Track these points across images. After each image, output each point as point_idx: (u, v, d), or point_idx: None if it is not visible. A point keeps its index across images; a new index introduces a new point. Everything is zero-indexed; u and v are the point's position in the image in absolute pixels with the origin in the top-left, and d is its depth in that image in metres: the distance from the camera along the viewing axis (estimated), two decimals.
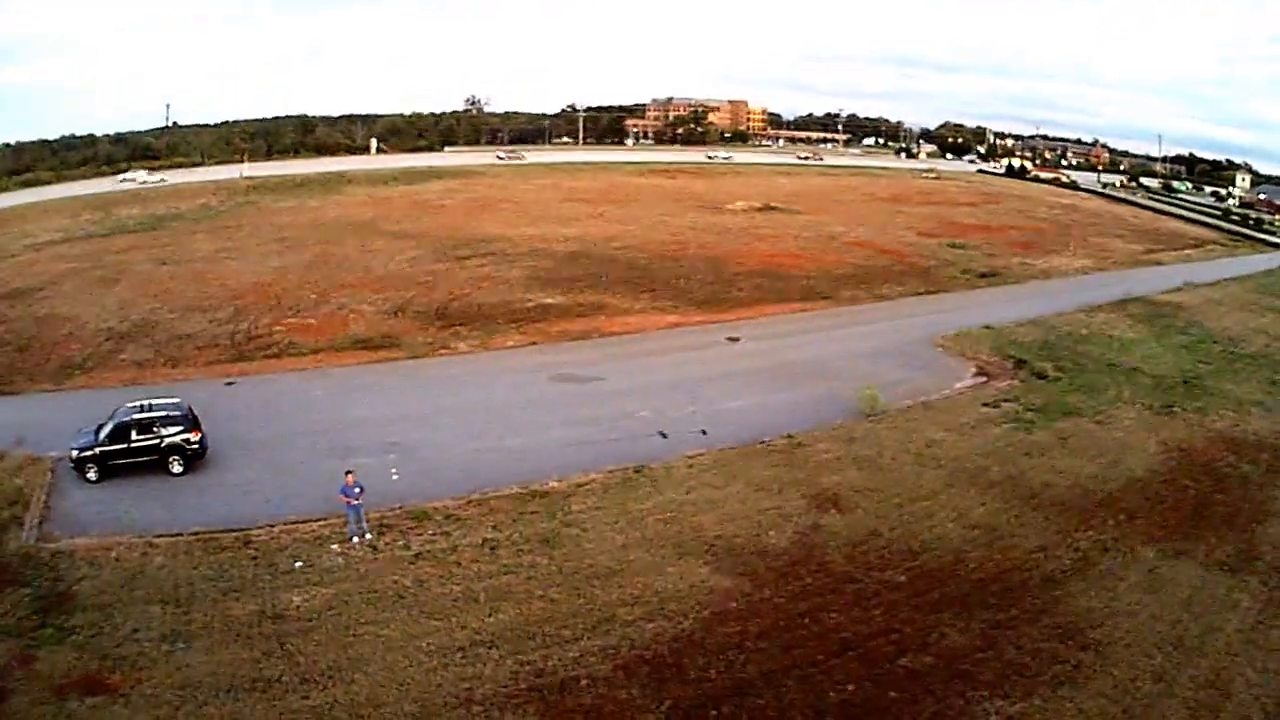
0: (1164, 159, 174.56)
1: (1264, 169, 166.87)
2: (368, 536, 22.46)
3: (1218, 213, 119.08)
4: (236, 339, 39.85)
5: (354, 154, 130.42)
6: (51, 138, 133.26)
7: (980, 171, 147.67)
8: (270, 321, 42.11)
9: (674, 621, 19.26)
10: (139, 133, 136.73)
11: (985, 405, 33.62)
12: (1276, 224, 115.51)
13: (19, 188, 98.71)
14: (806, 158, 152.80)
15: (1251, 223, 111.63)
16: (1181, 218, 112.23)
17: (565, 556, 21.83)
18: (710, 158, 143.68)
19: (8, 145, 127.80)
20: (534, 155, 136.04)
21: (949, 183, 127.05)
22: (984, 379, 37.52)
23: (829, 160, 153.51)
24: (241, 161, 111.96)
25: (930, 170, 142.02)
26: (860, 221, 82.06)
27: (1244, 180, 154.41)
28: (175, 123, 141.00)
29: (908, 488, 26.08)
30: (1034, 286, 60.48)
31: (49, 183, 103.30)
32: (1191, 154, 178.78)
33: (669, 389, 34.05)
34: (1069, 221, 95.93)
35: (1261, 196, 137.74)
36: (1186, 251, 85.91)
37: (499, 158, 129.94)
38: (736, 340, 41.34)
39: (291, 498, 24.47)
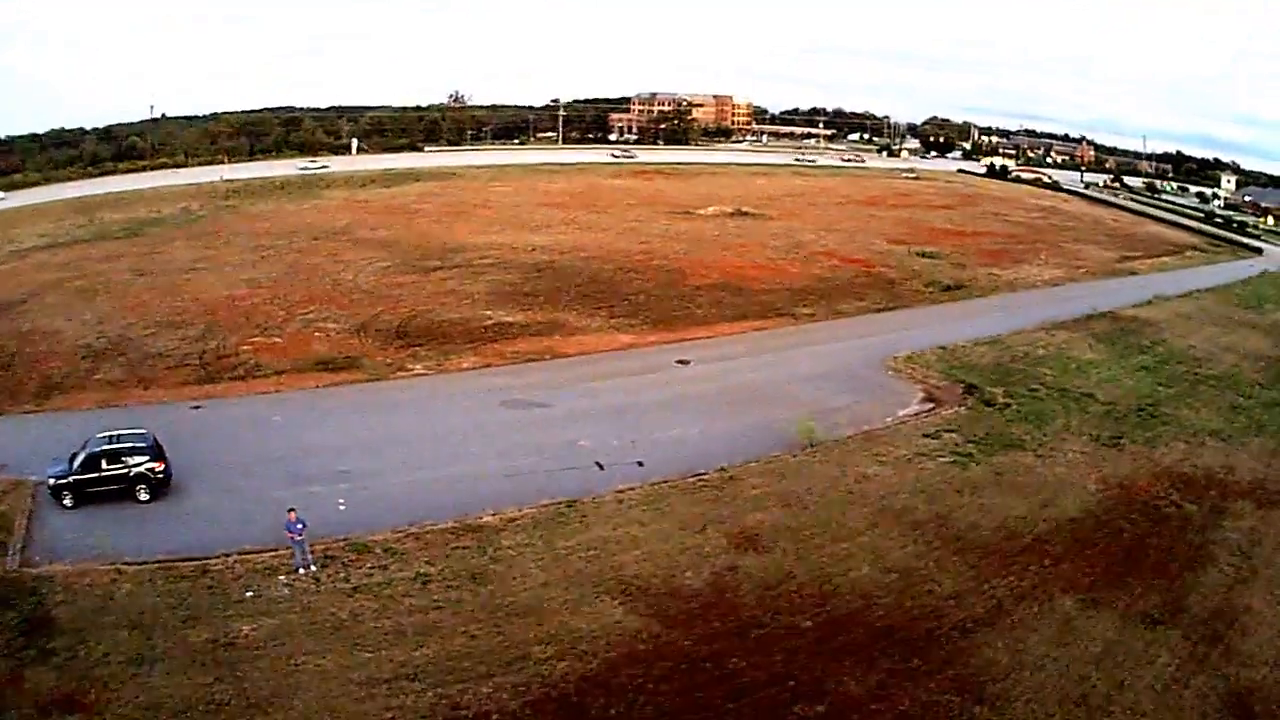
0: (1149, 157, 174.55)
1: (1256, 166, 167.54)
2: (312, 568, 23.46)
3: (1200, 215, 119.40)
4: (205, 358, 40.43)
5: (337, 153, 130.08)
6: (41, 131, 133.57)
7: (961, 171, 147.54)
8: (238, 340, 42.59)
9: (584, 661, 20.04)
10: (126, 125, 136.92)
11: (926, 436, 34.11)
12: (1260, 227, 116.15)
13: (7, 189, 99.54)
14: (808, 159, 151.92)
15: (1235, 226, 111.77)
16: (1163, 221, 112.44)
17: (491, 593, 22.59)
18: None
19: None
20: (514, 155, 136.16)
21: (927, 184, 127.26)
22: (931, 405, 37.96)
23: (817, 160, 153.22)
24: (223, 163, 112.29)
25: (910, 170, 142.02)
26: (831, 227, 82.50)
27: (1229, 182, 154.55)
28: (164, 114, 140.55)
29: (831, 527, 26.58)
30: (999, 300, 60.74)
31: (36, 184, 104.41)
32: (1179, 152, 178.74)
33: (613, 416, 34.60)
34: (1045, 226, 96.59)
35: (1247, 199, 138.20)
36: (1163, 259, 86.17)
37: (614, 156, 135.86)
38: (686, 363, 41.85)
39: (247, 525, 25.55)
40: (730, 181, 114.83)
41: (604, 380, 39.13)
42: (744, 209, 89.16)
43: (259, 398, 36.38)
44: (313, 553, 23.73)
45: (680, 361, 41.99)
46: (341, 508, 26.74)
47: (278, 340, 43.14)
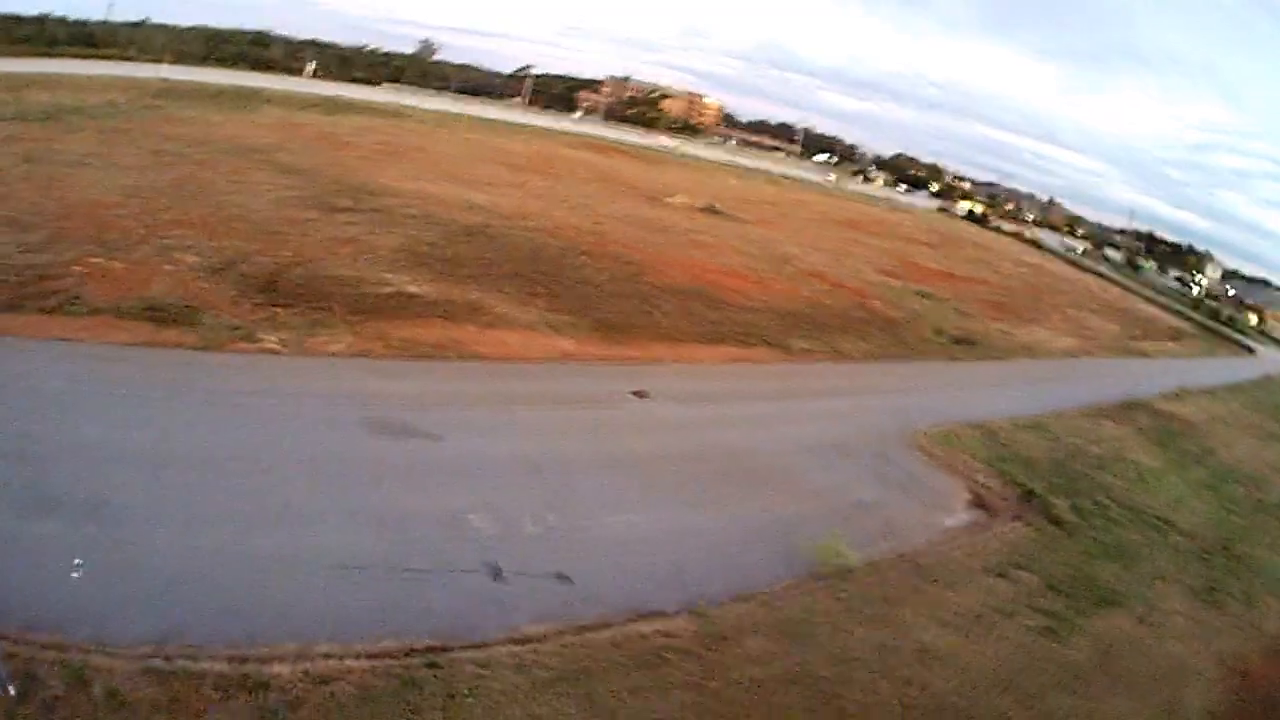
0: (1121, 232, 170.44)
1: (1224, 261, 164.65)
2: (11, 690, 12.23)
3: (1187, 301, 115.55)
4: (23, 275, 27.77)
5: (291, 74, 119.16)
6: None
7: (941, 210, 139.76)
8: (75, 256, 30.02)
9: None
10: (97, 23, 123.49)
11: (992, 573, 22.82)
12: (1247, 323, 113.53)
13: None
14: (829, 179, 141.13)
15: (1225, 318, 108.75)
16: (1151, 300, 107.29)
17: None
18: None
19: None
20: (471, 107, 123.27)
21: (905, 216, 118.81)
22: (982, 513, 26.93)
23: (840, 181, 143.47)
24: (165, 62, 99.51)
25: (886, 199, 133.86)
26: (814, 244, 71.80)
27: (1215, 271, 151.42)
28: (147, 19, 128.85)
29: None
30: (1021, 367, 51.49)
31: None
32: (1151, 233, 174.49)
33: (530, 474, 22.21)
34: (1039, 284, 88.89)
35: (1230, 292, 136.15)
36: (1167, 343, 79.80)
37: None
38: (644, 396, 29.38)
39: None
40: (698, 176, 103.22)
41: (526, 407, 26.61)
42: (715, 206, 77.59)
43: (48, 345, 23.79)
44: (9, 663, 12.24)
45: (637, 393, 29.36)
46: (76, 575, 14.79)
47: (117, 264, 30.59)
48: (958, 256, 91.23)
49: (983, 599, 21.22)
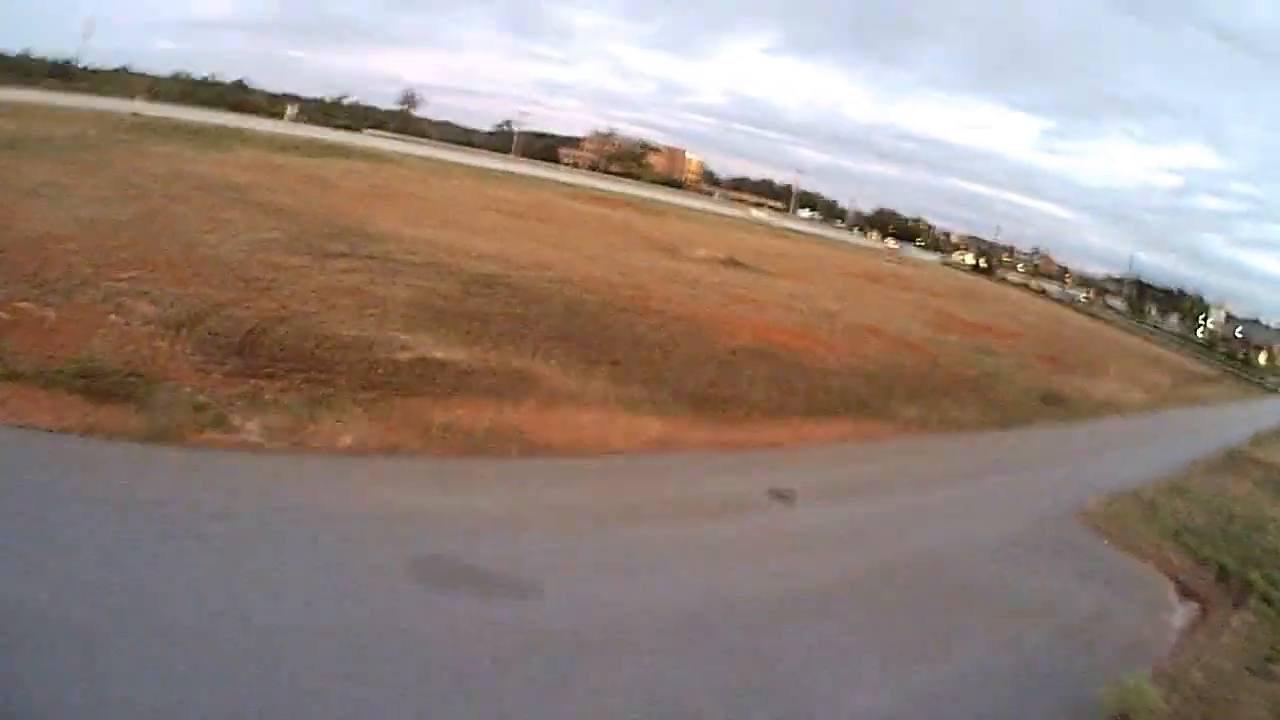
0: (1118, 281, 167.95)
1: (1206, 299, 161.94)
2: None
3: (1201, 346, 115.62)
4: None
5: (272, 117, 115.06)
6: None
7: (945, 264, 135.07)
8: (3, 298, 22.59)
9: None
10: (81, 70, 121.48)
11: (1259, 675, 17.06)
12: (1260, 363, 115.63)
13: None
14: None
15: (1240, 359, 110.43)
16: (1169, 346, 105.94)
17: None
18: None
19: None
20: (461, 155, 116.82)
21: (916, 270, 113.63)
22: (1194, 605, 21.54)
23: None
24: (141, 98, 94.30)
25: (893, 253, 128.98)
26: (847, 299, 64.92)
27: (1220, 314, 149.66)
28: (126, 66, 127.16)
29: None
30: (1117, 425, 46.98)
31: None
32: (1139, 279, 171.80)
33: (693, 632, 14.22)
34: (1071, 335, 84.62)
35: (1237, 333, 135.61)
36: (1207, 388, 77.53)
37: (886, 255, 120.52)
38: (788, 498, 21.55)
39: None
40: (706, 229, 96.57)
41: (642, 524, 18.62)
42: (736, 259, 70.78)
43: None
44: None
45: (778, 494, 21.53)
46: None
47: (50, 314, 22.73)
48: (985, 310, 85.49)
49: None
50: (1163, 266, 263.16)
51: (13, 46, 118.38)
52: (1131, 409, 52.90)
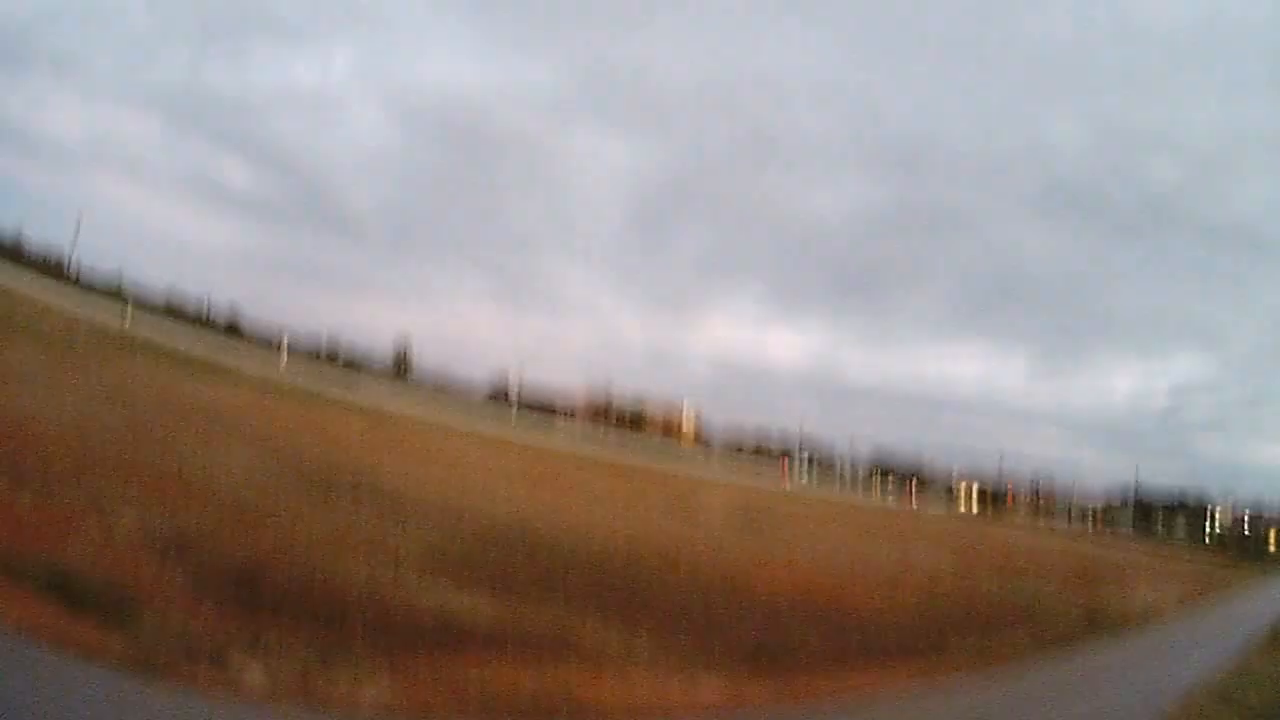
0: (1121, 504, 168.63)
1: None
2: None
3: (1212, 543, 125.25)
4: None
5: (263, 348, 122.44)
6: None
7: (950, 513, 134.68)
8: None
9: None
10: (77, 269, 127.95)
11: None
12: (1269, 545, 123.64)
13: None
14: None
15: (1253, 546, 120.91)
16: (1180, 551, 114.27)
17: None
18: None
19: None
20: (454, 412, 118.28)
21: (924, 521, 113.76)
22: None
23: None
24: (127, 310, 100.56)
25: (896, 503, 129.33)
26: (859, 548, 63.41)
27: (1226, 506, 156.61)
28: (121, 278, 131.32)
29: None
30: (1162, 631, 46.16)
31: None
32: (1139, 499, 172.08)
33: None
34: (1093, 555, 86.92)
35: (1246, 513, 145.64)
36: (1230, 574, 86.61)
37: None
38: None
39: None
40: (700, 486, 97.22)
41: None
42: (750, 510, 70.60)
43: None
44: None
45: None
46: None
47: (26, 499, 21.24)
48: (997, 552, 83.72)
49: None
50: (1164, 471, 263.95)
51: (7, 230, 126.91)
52: (1167, 612, 52.97)
